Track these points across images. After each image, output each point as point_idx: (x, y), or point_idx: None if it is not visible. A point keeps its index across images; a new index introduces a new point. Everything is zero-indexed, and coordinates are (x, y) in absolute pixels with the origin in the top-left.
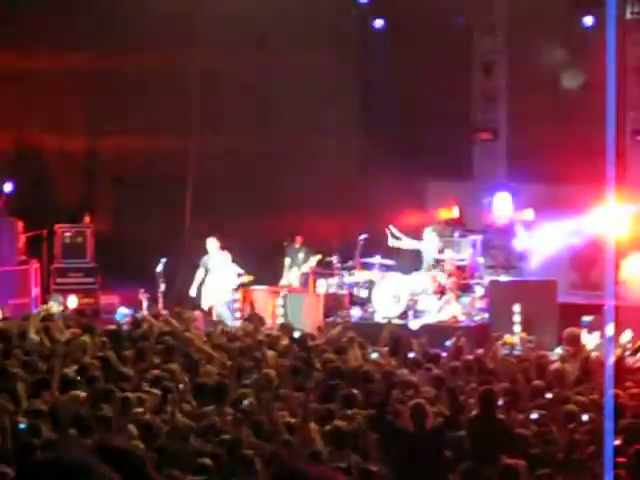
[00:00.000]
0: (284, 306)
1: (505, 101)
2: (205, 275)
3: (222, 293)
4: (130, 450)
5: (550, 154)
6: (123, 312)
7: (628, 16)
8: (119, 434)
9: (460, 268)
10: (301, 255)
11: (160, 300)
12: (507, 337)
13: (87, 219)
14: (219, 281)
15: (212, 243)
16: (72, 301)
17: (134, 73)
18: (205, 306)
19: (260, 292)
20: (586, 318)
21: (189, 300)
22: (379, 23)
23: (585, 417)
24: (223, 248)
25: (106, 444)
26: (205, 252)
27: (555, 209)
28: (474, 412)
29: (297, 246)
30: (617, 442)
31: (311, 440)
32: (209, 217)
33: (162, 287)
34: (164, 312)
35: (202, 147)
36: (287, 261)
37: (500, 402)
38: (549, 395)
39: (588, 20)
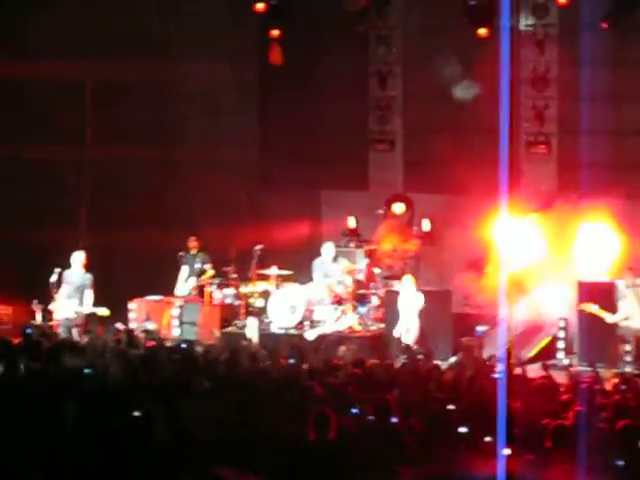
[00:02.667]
0: (180, 316)
1: (401, 111)
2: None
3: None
4: None
5: (445, 164)
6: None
7: (522, 28)
8: None
9: (356, 279)
10: (197, 265)
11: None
12: None
13: None
14: (67, 299)
15: (77, 257)
16: None
17: (29, 82)
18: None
19: (155, 302)
20: (480, 328)
21: None
22: (275, 33)
23: (463, 429)
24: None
25: None
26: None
27: (451, 219)
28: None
29: (193, 256)
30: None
31: None
32: (104, 227)
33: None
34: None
35: (97, 157)
36: (183, 271)
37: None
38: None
39: (482, 31)
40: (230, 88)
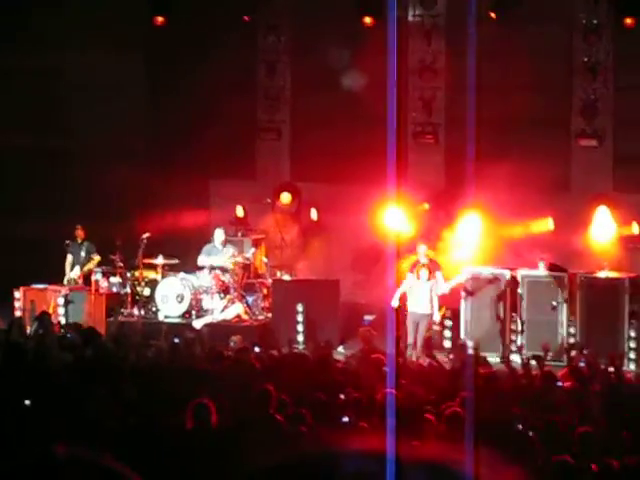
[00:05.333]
0: (65, 305)
1: (289, 101)
2: None
3: None
4: None
5: (333, 154)
6: None
7: (410, 18)
8: None
9: (244, 267)
10: (82, 254)
11: None
12: None
13: None
14: None
15: None
16: None
17: None
18: None
19: (41, 291)
20: (367, 317)
21: None
22: (160, 20)
23: (345, 419)
24: None
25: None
26: None
27: (338, 209)
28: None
29: (79, 245)
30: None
31: None
32: None
33: None
34: None
35: None
36: (69, 259)
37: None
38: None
39: (368, 20)
40: (117, 76)
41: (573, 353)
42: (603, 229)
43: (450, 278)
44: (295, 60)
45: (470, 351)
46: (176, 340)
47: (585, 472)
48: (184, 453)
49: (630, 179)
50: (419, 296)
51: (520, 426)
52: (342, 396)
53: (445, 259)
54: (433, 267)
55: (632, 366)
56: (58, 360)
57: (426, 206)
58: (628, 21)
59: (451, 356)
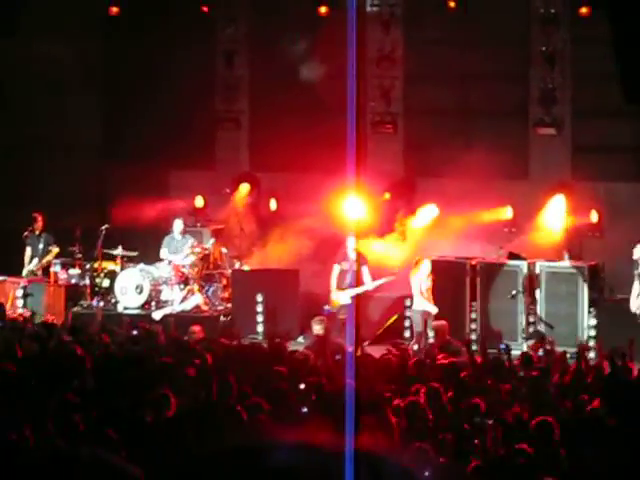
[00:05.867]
0: (24, 297)
1: (247, 91)
2: None
3: None
4: None
5: (292, 143)
6: None
7: (368, 8)
8: None
9: (203, 258)
10: (40, 245)
11: None
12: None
13: None
14: None
15: None
16: None
17: None
18: None
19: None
20: (327, 307)
21: None
22: (114, 10)
23: (305, 410)
24: None
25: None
26: None
27: (297, 198)
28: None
29: (37, 236)
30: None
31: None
32: None
33: None
34: None
35: None
36: (28, 251)
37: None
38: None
39: (323, 10)
40: (74, 68)
41: (532, 342)
42: (561, 217)
43: (393, 269)
44: (253, 50)
45: (431, 340)
46: (134, 332)
47: (539, 462)
48: (143, 443)
49: (588, 167)
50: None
51: (478, 418)
52: (302, 386)
53: (394, 250)
54: (361, 261)
55: (592, 354)
56: (27, 350)
57: (387, 196)
58: (583, 10)
59: (415, 346)
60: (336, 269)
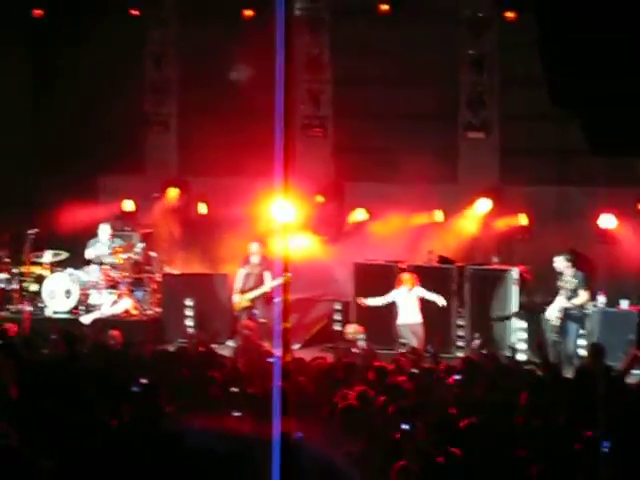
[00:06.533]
0: None
1: (176, 94)
2: None
3: None
4: None
5: (220, 147)
6: None
7: (296, 12)
8: None
9: (133, 262)
10: None
11: None
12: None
13: None
14: None
15: None
16: None
17: None
18: None
19: None
20: (256, 310)
21: None
22: (38, 13)
23: (236, 413)
24: None
25: None
26: None
27: (227, 202)
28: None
29: None
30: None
31: None
32: None
33: None
34: None
35: None
36: None
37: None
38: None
39: (249, 13)
40: (1, 73)
41: (464, 344)
42: (489, 221)
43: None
44: (182, 53)
45: (362, 344)
46: (53, 337)
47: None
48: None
49: (516, 171)
50: (407, 307)
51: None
52: (234, 389)
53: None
54: (264, 265)
55: (522, 356)
56: None
57: (320, 199)
58: (510, 14)
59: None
60: (241, 273)
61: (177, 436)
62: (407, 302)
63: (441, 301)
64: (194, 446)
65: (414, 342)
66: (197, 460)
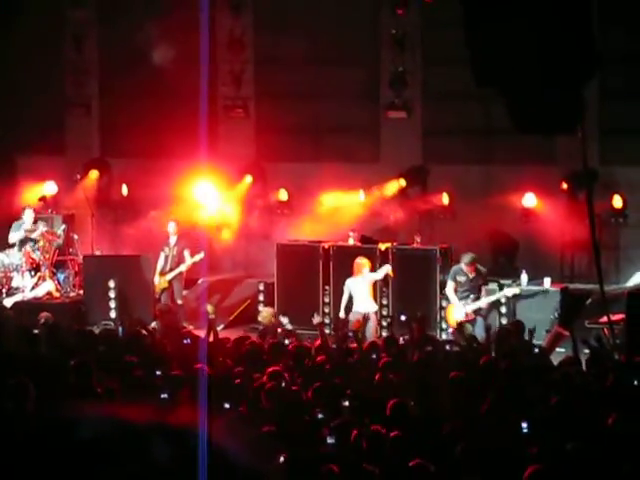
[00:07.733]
0: None
1: (98, 75)
2: None
3: None
4: None
5: (144, 129)
6: None
7: None
8: None
9: (55, 244)
10: None
11: None
12: None
13: None
14: None
15: None
16: None
17: None
18: None
19: None
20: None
21: None
22: None
23: (164, 395)
24: None
25: None
26: None
27: (149, 184)
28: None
29: None
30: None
31: None
32: None
33: None
34: None
35: None
36: None
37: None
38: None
39: None
40: None
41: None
42: (413, 201)
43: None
44: (103, 34)
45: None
46: None
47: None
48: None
49: (439, 150)
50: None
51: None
52: (159, 372)
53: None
54: (183, 244)
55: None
56: None
57: (248, 179)
58: None
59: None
60: (162, 255)
61: (70, 423)
62: (361, 288)
63: (388, 269)
64: (86, 434)
65: (368, 331)
66: (86, 447)
